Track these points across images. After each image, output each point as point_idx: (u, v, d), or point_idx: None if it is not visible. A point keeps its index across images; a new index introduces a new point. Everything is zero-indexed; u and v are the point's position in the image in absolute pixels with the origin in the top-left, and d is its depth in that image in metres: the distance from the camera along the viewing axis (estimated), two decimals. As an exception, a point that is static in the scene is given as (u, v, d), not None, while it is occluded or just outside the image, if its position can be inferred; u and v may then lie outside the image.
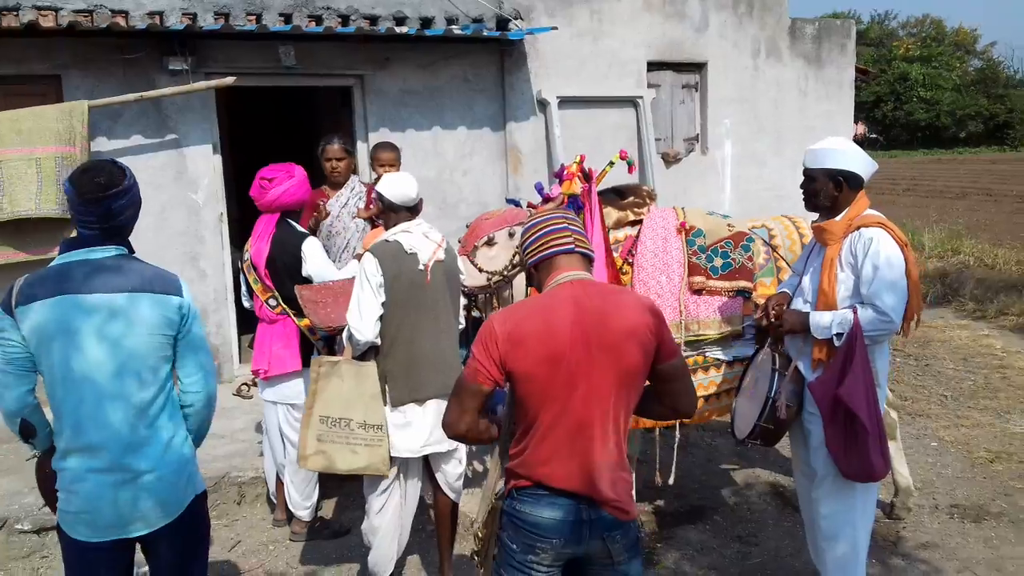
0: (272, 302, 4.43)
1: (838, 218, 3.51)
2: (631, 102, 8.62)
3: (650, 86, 8.76)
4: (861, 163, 3.48)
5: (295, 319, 4.39)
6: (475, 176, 7.95)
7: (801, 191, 3.63)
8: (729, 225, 4.50)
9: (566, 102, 8.20)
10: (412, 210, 3.91)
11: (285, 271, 4.40)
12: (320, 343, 4.35)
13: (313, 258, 4.44)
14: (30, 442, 2.79)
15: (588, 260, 2.64)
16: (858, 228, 3.44)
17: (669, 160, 8.95)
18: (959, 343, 8.32)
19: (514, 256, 4.41)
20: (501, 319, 2.52)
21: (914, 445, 5.82)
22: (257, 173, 4.51)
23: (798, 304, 3.68)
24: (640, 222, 4.43)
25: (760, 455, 5.62)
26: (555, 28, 7.75)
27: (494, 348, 2.46)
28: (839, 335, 3.41)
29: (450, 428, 2.59)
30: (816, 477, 3.64)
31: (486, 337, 2.49)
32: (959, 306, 9.93)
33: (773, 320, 3.69)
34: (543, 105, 8.12)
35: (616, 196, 4.48)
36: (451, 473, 4.03)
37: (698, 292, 4.29)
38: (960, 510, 4.85)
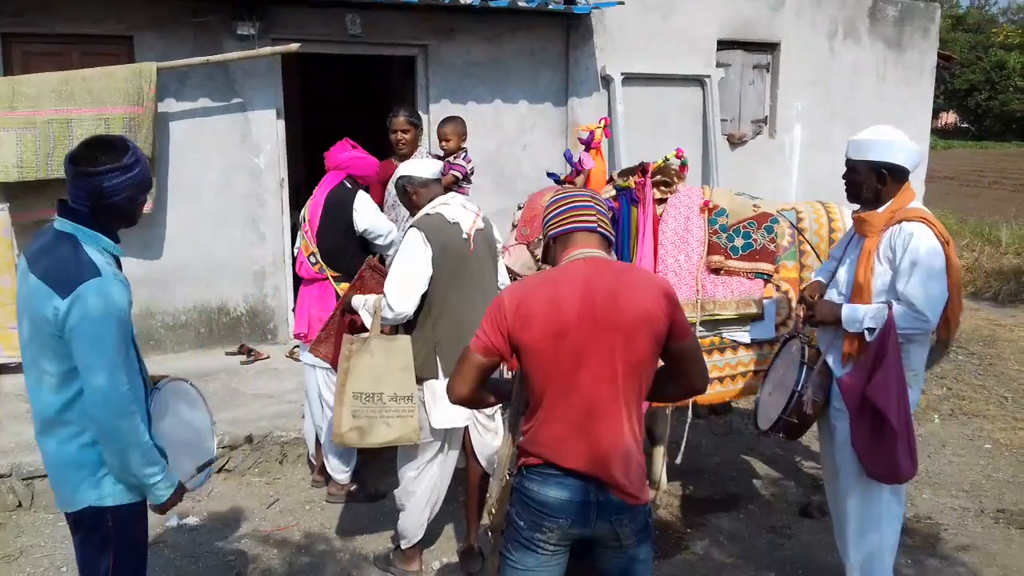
0: (312, 259, 4.55)
1: (880, 210, 3.38)
2: (698, 81, 8.47)
3: (719, 65, 8.60)
4: (906, 155, 3.34)
5: (333, 282, 4.49)
6: (534, 151, 7.92)
7: (843, 181, 3.52)
8: (755, 206, 4.42)
9: (631, 79, 8.09)
10: (439, 183, 4.00)
11: (334, 223, 4.55)
12: None
13: (365, 211, 4.59)
14: None
15: (608, 242, 2.61)
16: (899, 222, 3.31)
17: (735, 142, 8.79)
18: (1028, 344, 8.00)
19: None
20: (510, 292, 2.53)
21: (967, 446, 5.66)
22: (344, 138, 4.79)
23: (832, 295, 3.58)
24: (666, 200, 4.38)
25: (802, 447, 5.52)
26: (622, 3, 7.63)
27: (502, 321, 2.46)
28: (871, 330, 3.30)
29: (452, 393, 2.60)
30: (840, 473, 3.56)
31: (495, 310, 2.50)
32: (1033, 305, 9.54)
33: (806, 310, 3.60)
34: (607, 81, 8.02)
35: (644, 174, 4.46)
36: (490, 444, 4.07)
37: (716, 271, 4.27)
38: (1007, 515, 4.69)
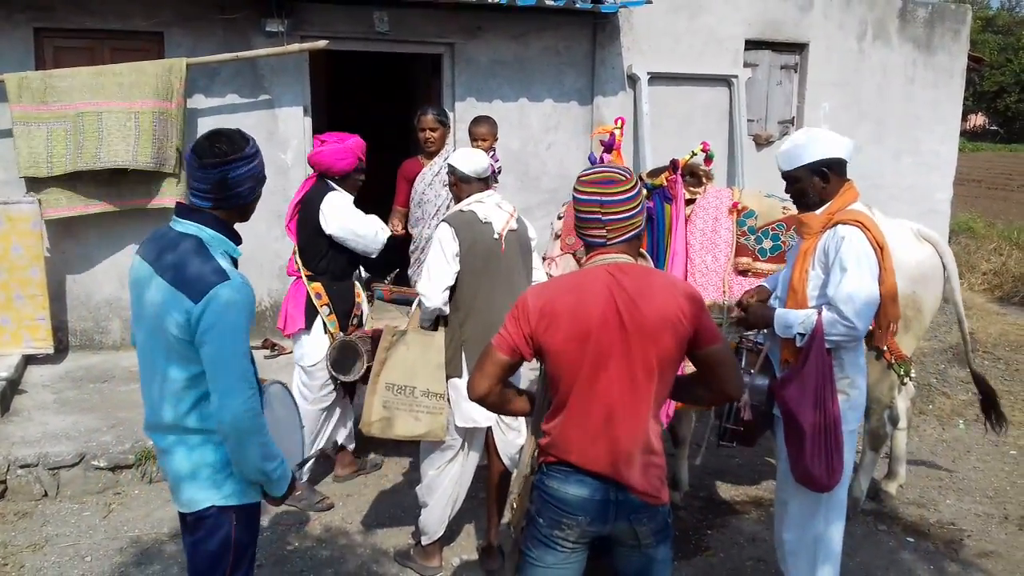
0: (296, 258, 4.64)
1: (819, 211, 3.29)
2: (725, 81, 8.43)
3: (746, 65, 8.56)
4: (838, 145, 3.22)
5: (306, 281, 4.55)
6: (559, 150, 7.92)
7: (788, 196, 3.45)
8: (784, 208, 4.39)
9: (657, 78, 8.07)
10: (483, 182, 3.97)
11: (304, 222, 4.58)
12: (326, 309, 4.53)
13: (333, 214, 4.48)
14: None
15: (632, 242, 2.58)
16: (835, 224, 3.21)
17: (761, 143, 8.74)
18: (1057, 349, 7.89)
19: None
20: (535, 293, 2.53)
21: (992, 452, 5.61)
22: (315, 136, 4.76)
23: (773, 300, 3.52)
24: (694, 201, 4.36)
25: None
26: (650, 2, 7.61)
27: (525, 322, 2.47)
28: (802, 335, 3.21)
29: (472, 390, 2.61)
30: (780, 475, 3.52)
31: (519, 310, 2.50)
32: (1062, 311, 9.41)
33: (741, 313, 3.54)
34: (633, 81, 8.01)
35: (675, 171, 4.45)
36: (513, 443, 4.07)
37: (743, 273, 4.25)
38: (1032, 523, 4.65)
